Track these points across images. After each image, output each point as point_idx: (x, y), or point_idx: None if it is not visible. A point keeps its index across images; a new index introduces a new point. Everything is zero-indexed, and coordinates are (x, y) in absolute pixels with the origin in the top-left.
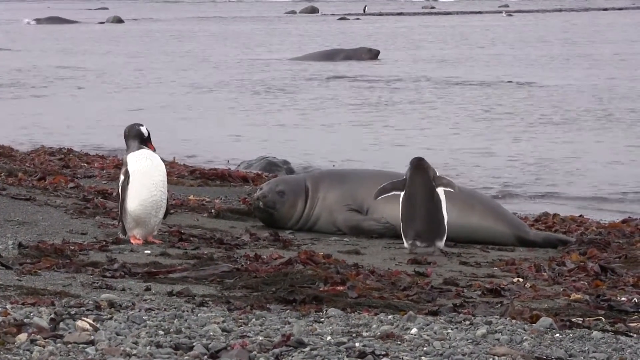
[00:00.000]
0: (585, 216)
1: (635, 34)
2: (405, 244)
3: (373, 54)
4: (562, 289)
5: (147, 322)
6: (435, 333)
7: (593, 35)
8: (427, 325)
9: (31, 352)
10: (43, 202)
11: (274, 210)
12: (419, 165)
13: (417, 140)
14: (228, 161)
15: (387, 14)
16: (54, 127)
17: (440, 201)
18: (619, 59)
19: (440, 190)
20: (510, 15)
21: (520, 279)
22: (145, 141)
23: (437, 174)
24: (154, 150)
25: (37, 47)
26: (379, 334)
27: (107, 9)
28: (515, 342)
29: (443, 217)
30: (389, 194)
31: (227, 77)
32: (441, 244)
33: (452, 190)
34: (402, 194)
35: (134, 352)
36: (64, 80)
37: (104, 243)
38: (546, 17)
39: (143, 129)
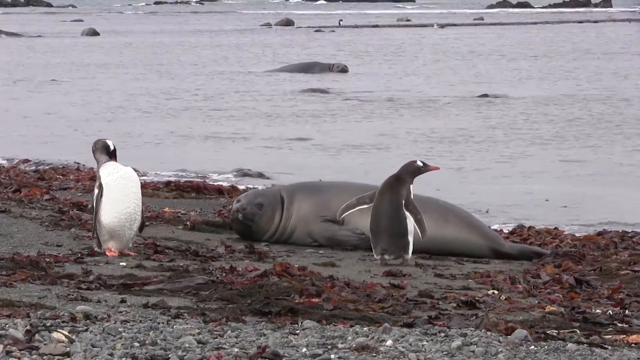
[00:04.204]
0: (560, 228)
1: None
2: (375, 256)
3: (343, 68)
4: (537, 301)
5: (123, 333)
6: (410, 345)
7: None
8: (403, 337)
9: None
10: (18, 214)
11: (252, 222)
12: (389, 183)
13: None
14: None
15: (362, 27)
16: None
17: (404, 217)
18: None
19: (411, 204)
20: (442, 27)
21: (496, 291)
22: (110, 155)
23: (412, 199)
24: None
25: None
26: (354, 345)
27: (82, 21)
28: (491, 354)
29: (406, 231)
30: (354, 210)
31: (194, 88)
32: (408, 256)
33: (418, 233)
34: (371, 206)
35: None
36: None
37: (79, 255)
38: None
39: (109, 143)
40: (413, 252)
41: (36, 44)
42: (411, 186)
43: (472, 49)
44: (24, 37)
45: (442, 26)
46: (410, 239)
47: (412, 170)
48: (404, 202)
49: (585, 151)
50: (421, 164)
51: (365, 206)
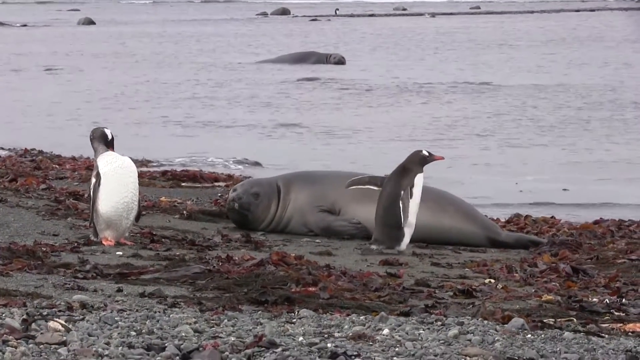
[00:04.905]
0: (556, 217)
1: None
2: None
3: (340, 60)
4: (533, 290)
5: (119, 323)
6: (407, 334)
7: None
8: (399, 325)
9: (3, 353)
10: (15, 204)
11: (248, 212)
12: (395, 173)
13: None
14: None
15: (358, 16)
16: None
17: (399, 209)
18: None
19: (405, 197)
20: (433, 16)
21: (492, 280)
22: (108, 144)
23: (408, 188)
24: None
25: None
26: (350, 334)
27: (78, 10)
28: (487, 343)
29: (401, 222)
30: (362, 187)
31: (189, 78)
32: (400, 247)
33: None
34: (379, 190)
35: (106, 352)
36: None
37: (75, 244)
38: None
39: (107, 131)
40: (412, 241)
41: (32, 33)
42: (420, 175)
43: (469, 38)
44: (18, 26)
45: (432, 15)
46: (406, 230)
47: (417, 160)
48: (402, 192)
49: (584, 141)
50: (427, 154)
51: (374, 187)
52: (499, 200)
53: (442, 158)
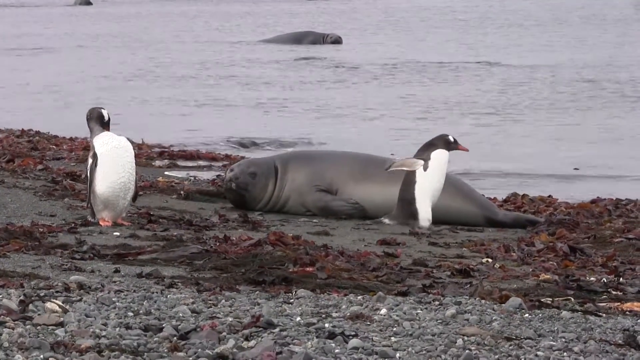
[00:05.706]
0: (554, 196)
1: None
2: None
3: (336, 39)
4: (531, 270)
5: (117, 303)
6: (404, 313)
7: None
8: (397, 305)
9: (0, 335)
10: (12, 184)
11: (245, 192)
12: (417, 151)
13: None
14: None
15: None
16: None
17: (413, 183)
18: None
19: (419, 172)
20: None
21: (490, 260)
22: (104, 125)
23: (425, 164)
24: None
25: None
26: (348, 314)
27: None
28: (485, 322)
29: (413, 198)
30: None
31: (186, 58)
32: (418, 222)
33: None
34: None
35: (104, 333)
36: None
37: (73, 225)
38: None
39: (104, 112)
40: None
41: (28, 13)
42: (440, 152)
43: (471, 17)
44: (14, 7)
45: None
46: (419, 207)
47: (442, 143)
48: (412, 161)
49: (583, 118)
50: (452, 139)
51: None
52: (501, 181)
53: (466, 149)
